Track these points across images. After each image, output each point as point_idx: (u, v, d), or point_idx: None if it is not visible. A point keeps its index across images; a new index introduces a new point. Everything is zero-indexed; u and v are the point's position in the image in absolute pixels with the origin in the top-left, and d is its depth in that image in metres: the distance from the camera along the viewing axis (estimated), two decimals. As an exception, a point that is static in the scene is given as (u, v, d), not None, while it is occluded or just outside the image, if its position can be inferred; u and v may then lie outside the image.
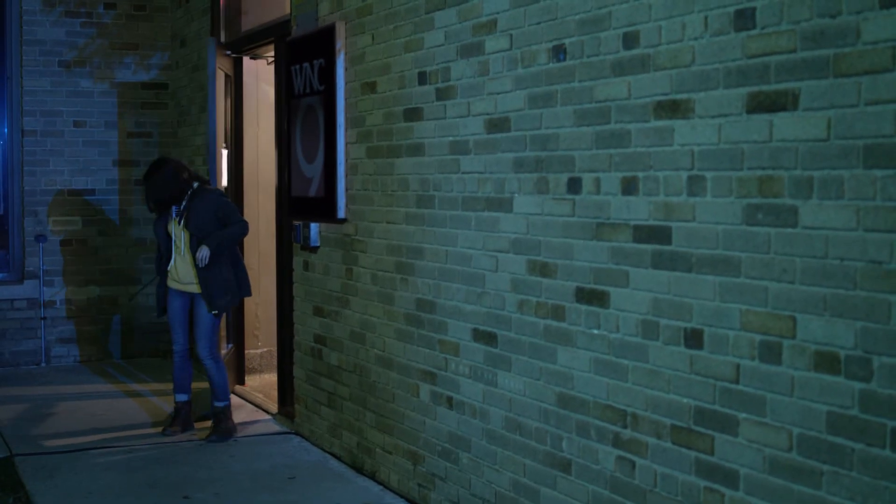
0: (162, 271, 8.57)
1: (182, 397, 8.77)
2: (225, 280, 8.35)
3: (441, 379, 6.37)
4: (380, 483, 7.19)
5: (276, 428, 8.87)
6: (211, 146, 9.91)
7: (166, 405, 9.60)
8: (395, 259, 6.87)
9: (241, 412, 9.29)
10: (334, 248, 7.79)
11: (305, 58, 8.03)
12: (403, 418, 6.86)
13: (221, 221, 8.31)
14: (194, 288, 8.42)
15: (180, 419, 8.76)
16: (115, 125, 11.95)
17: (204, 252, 8.16)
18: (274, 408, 9.34)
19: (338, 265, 7.74)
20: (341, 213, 7.61)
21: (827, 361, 3.84)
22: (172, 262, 8.46)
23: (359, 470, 7.50)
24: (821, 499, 3.88)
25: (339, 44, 7.55)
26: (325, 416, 8.07)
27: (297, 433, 8.65)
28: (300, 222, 8.30)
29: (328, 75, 7.66)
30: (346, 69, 7.54)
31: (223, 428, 8.58)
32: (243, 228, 8.38)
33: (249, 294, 8.69)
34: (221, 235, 8.24)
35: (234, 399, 9.90)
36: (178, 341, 8.70)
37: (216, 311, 8.37)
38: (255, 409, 9.50)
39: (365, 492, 7.09)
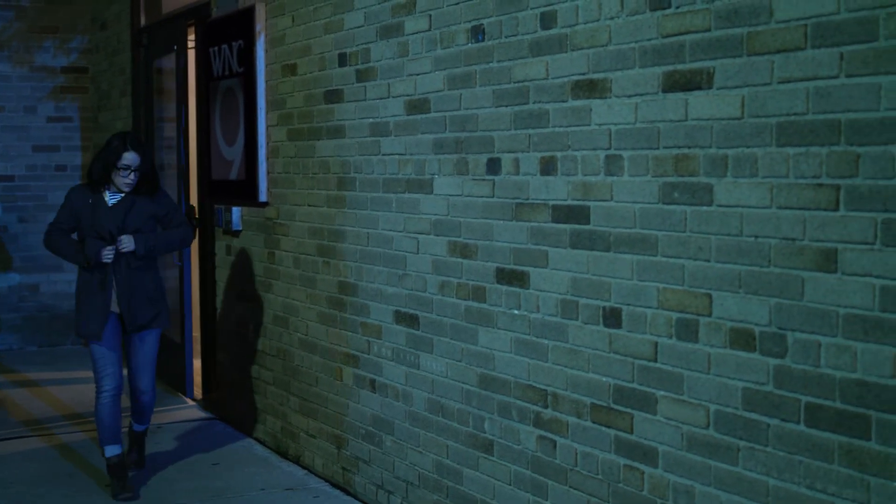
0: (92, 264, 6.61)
1: (116, 449, 6.74)
2: (153, 292, 6.77)
3: (364, 362, 6.35)
4: (304, 467, 7.16)
5: (201, 414, 8.81)
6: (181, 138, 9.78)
7: (89, 392, 9.49)
8: (316, 242, 6.83)
9: (166, 399, 9.20)
10: (256, 232, 7.73)
11: (225, 39, 7.95)
12: (327, 402, 6.83)
13: (161, 222, 6.77)
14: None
15: (126, 480, 6.74)
16: (34, 110, 11.78)
17: (128, 242, 6.54)
18: (198, 393, 9.27)
19: (260, 249, 7.69)
20: (263, 197, 7.55)
21: (742, 338, 3.87)
22: (111, 272, 6.61)
23: (283, 454, 7.46)
24: (737, 474, 3.91)
25: (259, 25, 7.48)
26: (248, 400, 8.02)
27: (221, 419, 8.59)
28: (221, 206, 8.23)
29: (248, 57, 7.59)
30: (266, 51, 7.48)
31: (142, 457, 7.26)
32: (188, 234, 6.90)
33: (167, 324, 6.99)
34: (158, 238, 6.67)
35: (158, 385, 9.83)
36: (111, 377, 6.66)
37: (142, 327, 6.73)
38: (179, 395, 9.42)
39: (289, 476, 7.05)
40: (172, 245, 6.84)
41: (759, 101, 3.76)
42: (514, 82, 4.96)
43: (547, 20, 4.74)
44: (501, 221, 5.08)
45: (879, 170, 3.36)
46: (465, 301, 5.37)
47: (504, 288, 5.09)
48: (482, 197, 5.21)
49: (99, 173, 6.55)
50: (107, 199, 6.61)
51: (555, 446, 4.82)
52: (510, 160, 5.00)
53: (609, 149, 4.42)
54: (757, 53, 3.76)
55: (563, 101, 4.66)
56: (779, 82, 3.69)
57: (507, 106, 5.01)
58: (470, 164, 5.28)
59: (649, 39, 4.21)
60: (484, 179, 5.19)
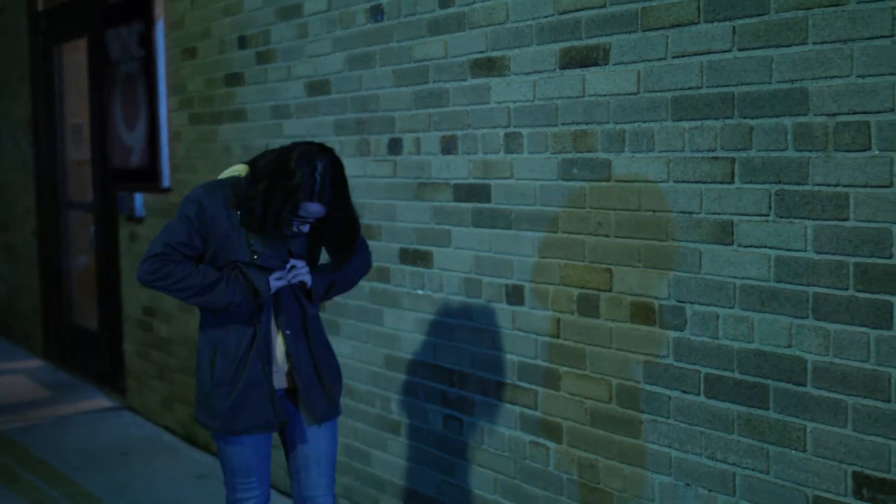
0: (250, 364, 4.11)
1: None
2: (333, 357, 4.39)
3: (271, 346, 6.30)
4: (213, 454, 7.10)
5: (108, 403, 8.70)
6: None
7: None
8: (221, 227, 6.75)
9: (72, 389, 9.08)
10: (160, 219, 7.64)
11: (123, 23, 7.83)
12: (235, 388, 6.77)
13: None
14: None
15: None
16: (-74, 98, 11.52)
17: (304, 270, 4.14)
18: (106, 383, 9.15)
19: (164, 235, 7.58)
20: (166, 182, 7.46)
21: (642, 312, 3.89)
22: (272, 326, 4.18)
23: (192, 442, 7.40)
24: (640, 447, 3.94)
25: (158, 9, 7.38)
26: (156, 389, 7.94)
27: (128, 408, 8.49)
28: (124, 193, 8.12)
29: (147, 41, 7.49)
30: (165, 35, 7.38)
31: None
32: (368, 261, 4.44)
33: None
34: (338, 272, 4.27)
35: (61, 375, 9.71)
36: (260, 482, 4.32)
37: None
38: (85, 384, 9.30)
39: (199, 464, 6.99)
40: (352, 281, 4.38)
41: (654, 76, 3.78)
42: (414, 62, 4.94)
43: (445, -1, 4.73)
44: (404, 201, 5.07)
45: (772, 142, 3.39)
46: (369, 282, 5.35)
47: (408, 268, 5.08)
48: (384, 177, 5.19)
49: (274, 214, 3.91)
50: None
51: (461, 425, 4.82)
52: (411, 140, 4.99)
53: (508, 127, 4.42)
54: (651, 28, 3.78)
55: (463, 80, 4.66)
56: (673, 57, 3.71)
57: (407, 86, 4.99)
58: (371, 144, 5.26)
59: (546, 16, 4.21)
60: (385, 160, 5.17)
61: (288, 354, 4.14)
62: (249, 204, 3.93)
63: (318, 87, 5.66)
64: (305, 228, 4.00)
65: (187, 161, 7.16)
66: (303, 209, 3.89)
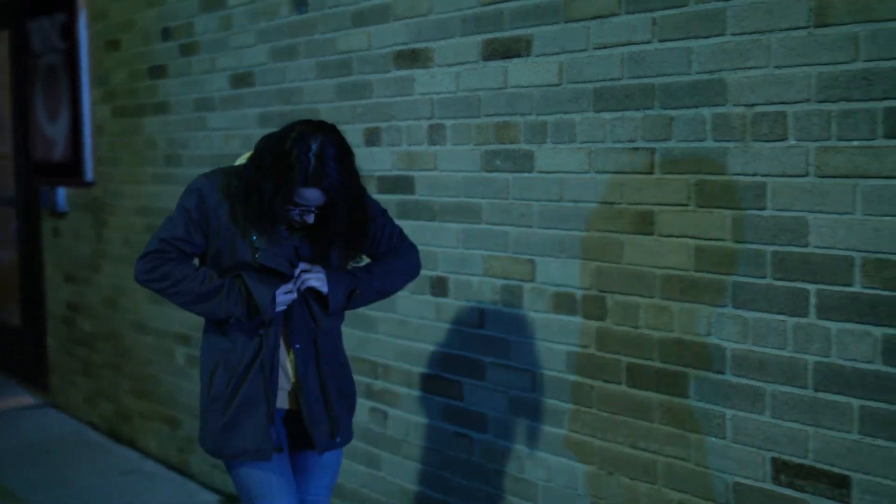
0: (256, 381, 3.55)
1: None
2: (348, 379, 3.81)
3: (197, 341, 6.25)
4: (139, 450, 7.04)
5: (31, 401, 8.59)
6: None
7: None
8: (145, 221, 6.70)
9: (-6, 386, 8.98)
10: (83, 213, 7.55)
11: (46, 14, 7.74)
12: (160, 383, 6.73)
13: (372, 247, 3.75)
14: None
15: None
16: None
17: (317, 277, 3.55)
18: (29, 380, 9.04)
19: (87, 230, 7.51)
20: (89, 176, 7.38)
21: (565, 302, 3.91)
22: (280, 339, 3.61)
23: (117, 438, 7.33)
24: (564, 436, 3.96)
25: (81, 0, 7.30)
26: (80, 385, 7.86)
27: (52, 405, 8.39)
28: (46, 187, 8.03)
29: (70, 33, 7.40)
30: (88, 26, 7.30)
31: None
32: (414, 260, 3.82)
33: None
34: (368, 274, 3.70)
35: (-14, 373, 9.58)
36: None
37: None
38: (8, 381, 9.18)
39: (124, 460, 6.93)
40: (388, 287, 3.75)
41: (576, 68, 3.80)
42: (338, 54, 4.92)
43: (368, -10, 4.72)
44: (329, 194, 5.05)
45: (692, 132, 3.42)
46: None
47: (333, 261, 5.06)
48: (309, 170, 5.16)
49: (267, 203, 3.38)
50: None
51: (386, 417, 4.82)
52: (336, 132, 4.97)
53: (432, 118, 4.42)
54: (573, 20, 3.80)
55: (387, 72, 4.65)
56: (595, 48, 3.73)
57: (331, 78, 4.98)
58: (296, 137, 5.23)
59: (469, 8, 4.22)
60: (310, 152, 5.14)
61: (296, 372, 3.57)
62: (245, 192, 3.42)
63: (242, 80, 5.63)
64: (310, 219, 3.40)
65: (111, 154, 7.09)
66: (298, 196, 3.32)
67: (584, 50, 3.76)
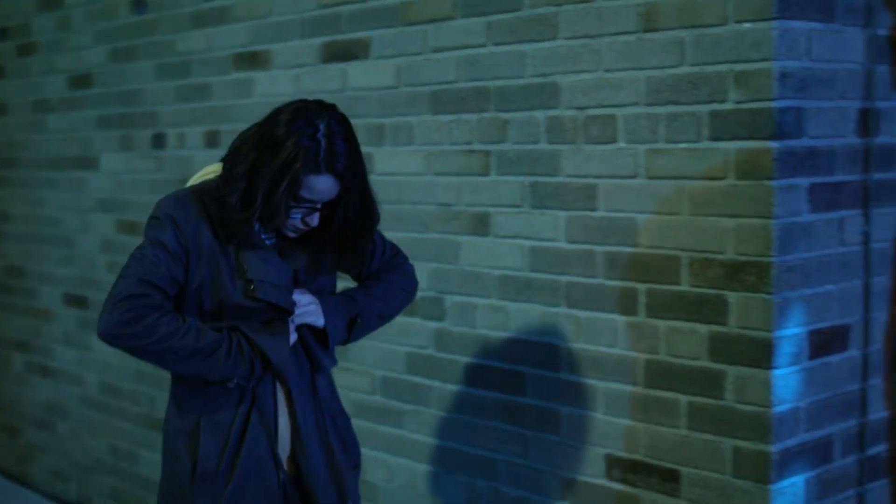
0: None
1: None
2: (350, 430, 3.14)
3: (34, 348, 6.13)
4: (45, 495, 6.84)
5: None
6: None
7: None
8: (-19, 225, 6.55)
9: None
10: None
11: None
12: (-2, 391, 6.58)
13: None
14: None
15: None
16: None
17: (312, 310, 2.91)
18: None
19: (-78, 235, 7.30)
20: (-77, 180, 7.17)
21: (405, 304, 3.93)
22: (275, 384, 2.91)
23: (23, 482, 7.12)
24: (403, 437, 3.98)
25: (-87, 0, 7.10)
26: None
27: None
28: None
29: None
30: (-79, 27, 7.10)
31: None
32: (412, 279, 3.22)
33: None
34: (366, 298, 3.07)
35: None
36: None
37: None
38: None
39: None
40: (389, 309, 3.14)
41: (413, 70, 3.82)
42: (178, 55, 4.87)
43: (208, -8, 4.69)
44: (169, 197, 4.99)
45: (526, 134, 3.47)
46: (134, 280, 5.24)
47: (174, 264, 5.00)
48: (148, 173, 5.10)
49: (264, 206, 2.74)
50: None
51: (229, 422, 4.78)
52: (175, 135, 4.92)
53: (272, 120, 4.40)
54: (410, 23, 3.82)
55: (227, 74, 4.62)
56: (431, 51, 3.76)
57: (170, 80, 4.92)
58: (135, 140, 5.17)
59: (309, 10, 4.21)
60: (150, 155, 5.09)
61: (293, 424, 2.88)
62: (227, 201, 2.72)
63: (81, 81, 5.53)
64: (314, 221, 2.78)
65: (-54, 158, 6.90)
66: (306, 189, 2.70)
67: (421, 53, 3.79)
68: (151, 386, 5.21)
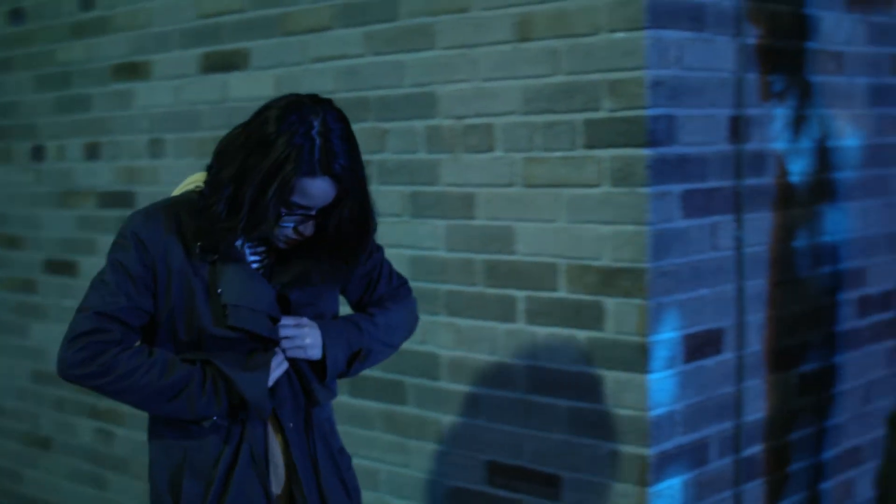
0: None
1: None
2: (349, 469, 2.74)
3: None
4: None
5: None
6: None
7: None
8: None
9: None
10: None
11: None
12: None
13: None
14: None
15: None
16: None
17: (311, 340, 2.54)
18: None
19: None
20: None
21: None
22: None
23: None
24: (288, 449, 3.96)
25: None
26: None
27: None
28: None
29: None
30: None
31: None
32: (413, 309, 2.88)
33: None
34: (369, 327, 2.69)
35: None
36: None
37: None
38: None
39: None
40: (393, 339, 2.77)
41: (293, 80, 3.81)
42: (57, 66, 4.81)
43: (87, 2, 4.62)
44: (49, 211, 4.92)
45: (405, 144, 3.49)
46: (14, 294, 5.16)
47: (54, 279, 4.93)
48: (28, 186, 5.02)
49: (250, 214, 2.40)
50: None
51: (112, 437, 4.72)
52: (55, 147, 4.85)
53: (152, 132, 4.37)
54: (290, 34, 3.82)
55: (106, 85, 4.57)
56: (311, 61, 3.75)
57: (49, 91, 4.86)
58: (14, 152, 5.09)
59: (189, 21, 4.18)
60: (29, 168, 5.01)
61: (286, 460, 2.54)
62: (212, 210, 2.40)
63: (-43, 94, 5.44)
64: (308, 229, 2.46)
65: None
66: (299, 193, 2.37)
67: (300, 63, 3.79)
68: (35, 403, 5.12)
